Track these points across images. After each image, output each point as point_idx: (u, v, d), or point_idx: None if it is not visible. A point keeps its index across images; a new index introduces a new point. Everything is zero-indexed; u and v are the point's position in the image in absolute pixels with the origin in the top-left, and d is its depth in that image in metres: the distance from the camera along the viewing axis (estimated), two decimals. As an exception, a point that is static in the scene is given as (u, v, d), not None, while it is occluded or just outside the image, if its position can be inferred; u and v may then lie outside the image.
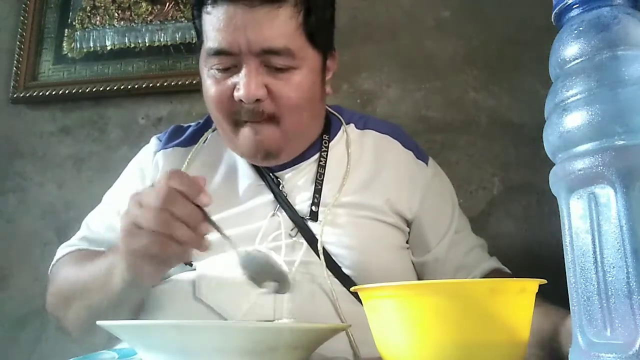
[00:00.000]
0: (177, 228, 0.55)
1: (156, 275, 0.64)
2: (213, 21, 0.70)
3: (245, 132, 0.72)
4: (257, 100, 0.69)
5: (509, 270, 0.81)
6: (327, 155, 0.80)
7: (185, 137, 0.86)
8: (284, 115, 0.71)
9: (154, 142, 0.87)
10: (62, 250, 0.82)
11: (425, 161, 0.85)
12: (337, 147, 0.82)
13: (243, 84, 0.68)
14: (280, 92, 0.70)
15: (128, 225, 0.58)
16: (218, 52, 0.70)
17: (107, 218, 0.82)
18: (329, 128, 0.84)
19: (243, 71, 0.69)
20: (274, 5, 0.68)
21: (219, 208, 0.75)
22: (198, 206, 0.57)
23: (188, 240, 0.56)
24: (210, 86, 0.73)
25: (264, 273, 0.61)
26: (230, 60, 0.70)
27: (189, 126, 0.88)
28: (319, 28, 0.74)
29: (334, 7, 0.79)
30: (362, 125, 0.86)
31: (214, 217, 0.74)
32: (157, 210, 0.55)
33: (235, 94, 0.69)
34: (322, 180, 0.77)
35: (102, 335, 0.68)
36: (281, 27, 0.69)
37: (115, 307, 0.68)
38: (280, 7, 0.68)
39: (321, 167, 0.78)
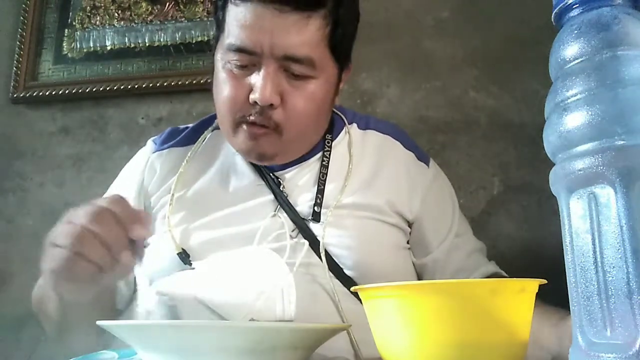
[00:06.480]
0: (91, 248, 0.52)
1: (79, 293, 0.60)
2: (239, 16, 0.69)
3: (245, 132, 0.72)
4: (270, 105, 0.69)
5: (507, 275, 0.81)
6: (329, 154, 0.80)
7: (182, 137, 0.85)
8: (290, 125, 0.71)
9: (149, 144, 0.87)
10: None
11: (427, 162, 0.85)
12: (339, 146, 0.82)
13: (260, 87, 0.68)
14: (293, 101, 0.70)
15: (48, 243, 0.55)
16: (239, 50, 0.69)
17: None
18: (332, 128, 0.83)
19: (262, 73, 0.68)
20: (304, 14, 0.68)
21: (216, 207, 0.75)
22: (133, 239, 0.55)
23: (100, 263, 0.52)
24: (224, 81, 0.72)
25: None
26: (249, 59, 0.70)
27: (186, 127, 0.88)
28: (343, 42, 0.74)
29: (358, 20, 0.79)
30: (364, 125, 0.86)
31: (211, 217, 0.75)
32: (77, 227, 0.52)
33: (251, 96, 0.69)
34: (325, 180, 0.77)
35: (81, 338, 0.69)
36: (307, 37, 0.68)
37: (70, 317, 0.68)
38: (310, 17, 0.68)
39: (324, 167, 0.78)
